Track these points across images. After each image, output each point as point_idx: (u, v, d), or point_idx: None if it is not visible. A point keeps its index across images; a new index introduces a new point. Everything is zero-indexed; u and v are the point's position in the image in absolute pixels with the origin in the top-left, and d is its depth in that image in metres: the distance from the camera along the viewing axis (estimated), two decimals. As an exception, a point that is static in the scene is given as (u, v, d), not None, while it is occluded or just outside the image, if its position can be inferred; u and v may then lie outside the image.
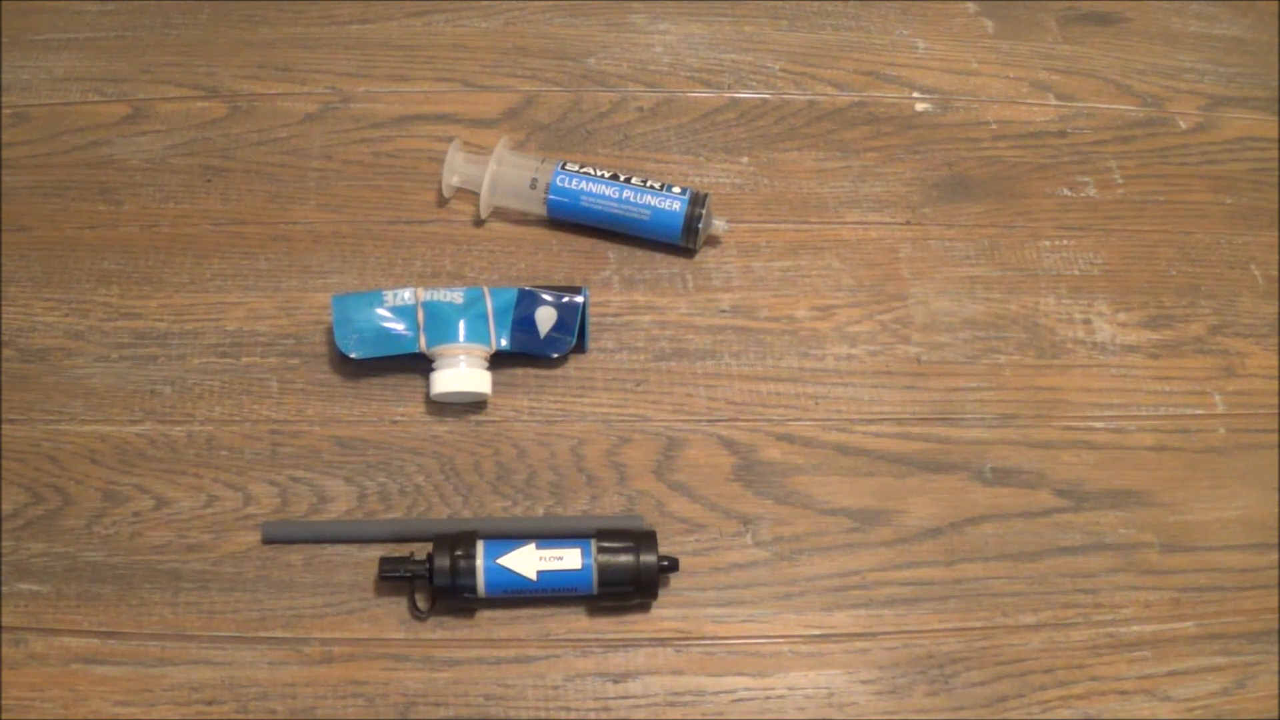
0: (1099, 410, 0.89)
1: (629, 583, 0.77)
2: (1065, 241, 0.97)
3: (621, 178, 0.93)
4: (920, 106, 1.04)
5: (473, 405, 0.87)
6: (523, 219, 0.96)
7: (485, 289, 0.87)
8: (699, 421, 0.87)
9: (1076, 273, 0.95)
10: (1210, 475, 0.87)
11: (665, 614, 0.80)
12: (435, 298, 0.86)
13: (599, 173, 0.93)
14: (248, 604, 0.79)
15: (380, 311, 0.86)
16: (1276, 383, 0.91)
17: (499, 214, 0.96)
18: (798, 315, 0.92)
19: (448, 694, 0.76)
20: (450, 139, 0.97)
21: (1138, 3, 1.14)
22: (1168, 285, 0.96)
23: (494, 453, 0.85)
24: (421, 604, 0.79)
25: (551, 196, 0.93)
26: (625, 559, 0.77)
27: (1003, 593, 0.82)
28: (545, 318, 0.87)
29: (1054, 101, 1.05)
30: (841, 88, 1.05)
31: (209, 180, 0.96)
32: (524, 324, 0.87)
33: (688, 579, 0.81)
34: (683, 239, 0.93)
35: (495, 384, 0.87)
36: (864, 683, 0.78)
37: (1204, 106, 1.06)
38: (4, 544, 0.80)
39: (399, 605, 0.79)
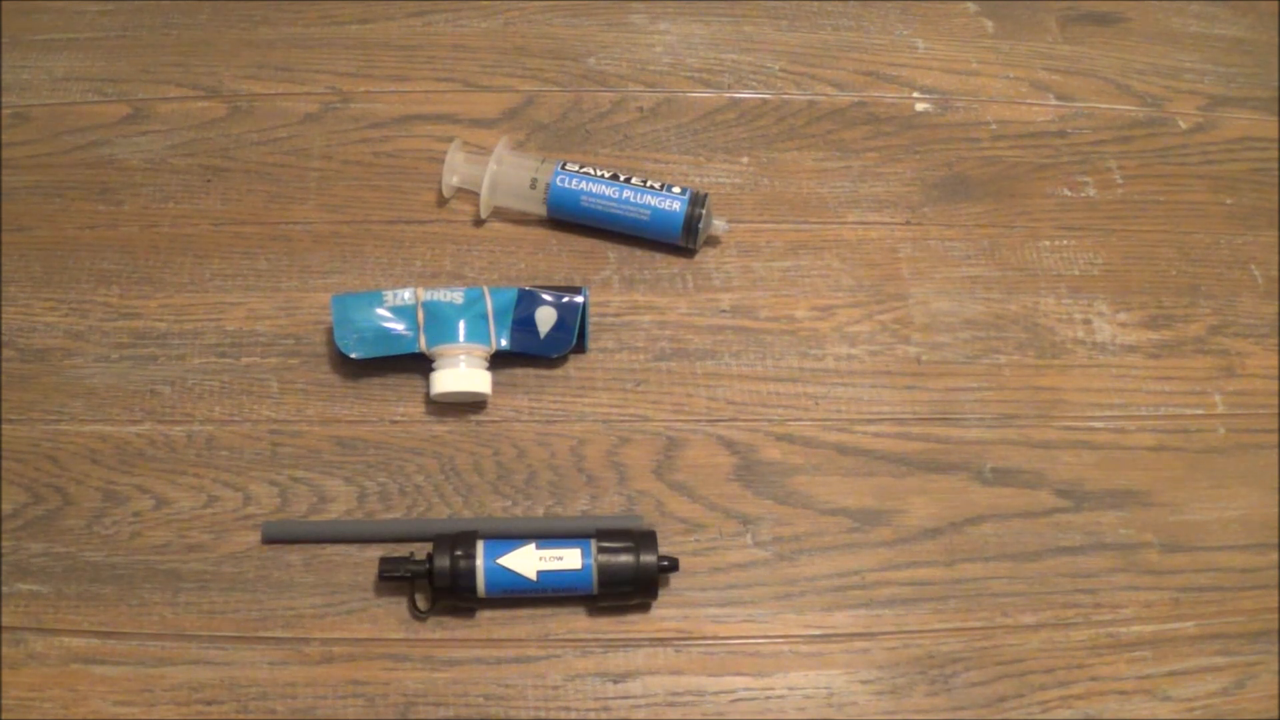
0: (1099, 410, 0.89)
1: (629, 583, 0.77)
2: (1065, 241, 0.97)
3: (621, 178, 0.93)
4: (920, 106, 1.04)
5: (473, 405, 0.87)
6: (523, 219, 0.96)
7: (485, 289, 0.87)
8: (699, 421, 0.87)
9: (1076, 273, 0.95)
10: (1210, 475, 0.87)
11: (665, 614, 0.80)
12: (435, 298, 0.86)
13: (599, 173, 0.93)
14: (248, 604, 0.79)
15: (380, 311, 0.86)
16: (1276, 383, 0.91)
17: (499, 214, 0.96)
18: (798, 315, 0.92)
19: (448, 694, 0.76)
20: (450, 139, 0.97)
21: (1138, 3, 1.14)
22: (1168, 285, 0.96)
23: (494, 453, 0.85)
24: (421, 604, 0.79)
25: (551, 196, 0.93)
26: (625, 559, 0.77)
27: (1003, 593, 0.82)
28: (545, 318, 0.87)
29: (1054, 101, 1.05)
30: (841, 88, 1.05)
31: (209, 180, 0.96)
32: (524, 324, 0.87)
33: (688, 579, 0.81)
34: (683, 239, 0.93)
35: (495, 384, 0.87)
36: (864, 683, 0.78)
37: (1204, 106, 1.06)
38: (4, 544, 0.80)
39: (399, 605, 0.79)
